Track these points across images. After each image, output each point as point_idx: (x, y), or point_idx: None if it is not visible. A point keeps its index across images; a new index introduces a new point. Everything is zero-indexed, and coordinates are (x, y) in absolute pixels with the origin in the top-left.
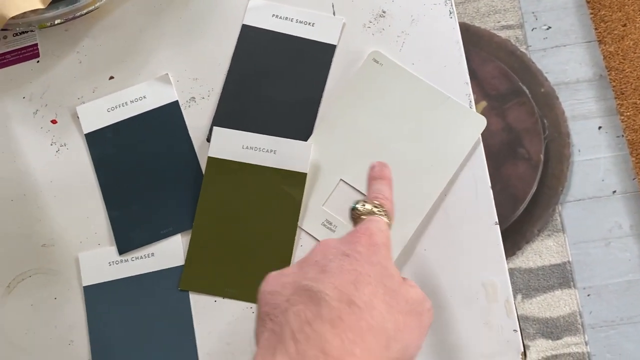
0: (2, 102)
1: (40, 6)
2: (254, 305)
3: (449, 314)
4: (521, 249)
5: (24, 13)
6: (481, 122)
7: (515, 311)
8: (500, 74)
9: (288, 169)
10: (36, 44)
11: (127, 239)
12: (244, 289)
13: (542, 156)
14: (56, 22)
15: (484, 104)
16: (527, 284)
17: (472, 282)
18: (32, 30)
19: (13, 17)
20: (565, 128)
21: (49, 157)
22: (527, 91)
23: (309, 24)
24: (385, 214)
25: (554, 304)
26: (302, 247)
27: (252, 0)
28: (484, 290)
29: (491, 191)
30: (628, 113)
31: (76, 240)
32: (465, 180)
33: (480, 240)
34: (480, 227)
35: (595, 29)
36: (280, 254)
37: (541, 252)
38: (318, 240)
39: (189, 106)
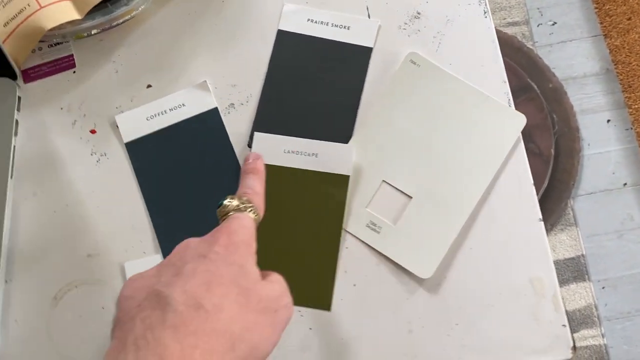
0: (40, 113)
1: (78, 17)
2: (302, 309)
3: (497, 311)
4: None
5: (61, 24)
6: (521, 120)
7: (563, 306)
8: (508, 70)
9: (330, 171)
10: (72, 55)
11: (172, 247)
12: (291, 291)
13: (552, 151)
14: (93, 33)
15: None
16: None
17: (519, 279)
18: (67, 41)
19: (50, 29)
20: (575, 122)
21: (89, 167)
22: (535, 87)
23: (345, 27)
24: (252, 209)
25: (569, 297)
26: (347, 249)
27: (286, 5)
28: (531, 286)
29: (534, 188)
30: (636, 106)
31: (121, 249)
32: (508, 178)
33: (525, 237)
34: (524, 223)
35: (600, 23)
36: (326, 257)
37: (555, 247)
38: (364, 243)
39: (229, 112)
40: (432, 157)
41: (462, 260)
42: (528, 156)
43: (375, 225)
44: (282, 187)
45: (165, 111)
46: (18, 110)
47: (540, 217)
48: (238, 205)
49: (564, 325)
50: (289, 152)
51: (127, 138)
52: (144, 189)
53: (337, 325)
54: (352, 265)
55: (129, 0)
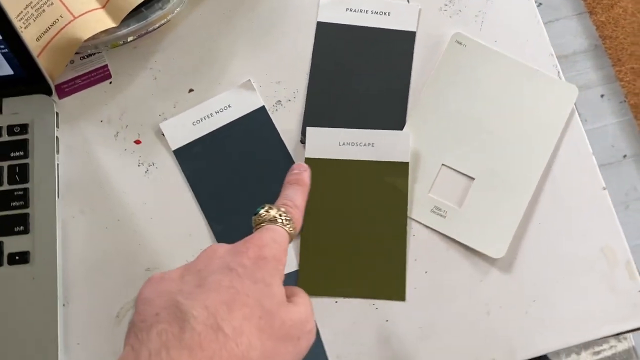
0: (79, 128)
1: (113, 25)
2: (376, 301)
3: (572, 283)
4: None
5: (95, 34)
6: (573, 91)
7: (637, 273)
8: None
9: (389, 160)
10: (106, 65)
11: None
12: (362, 285)
13: None
14: (129, 40)
15: None
16: None
17: (590, 249)
18: (99, 52)
19: (86, 40)
20: None
21: (138, 179)
22: None
23: (385, 13)
24: (290, 223)
25: None
26: (414, 237)
27: None
28: (603, 255)
29: (593, 157)
30: (627, 78)
31: (181, 260)
32: (567, 150)
33: (591, 207)
34: (588, 193)
35: (584, 0)
36: (395, 247)
37: None
38: (431, 228)
39: (276, 110)
40: (489, 136)
41: (532, 236)
42: None
43: (440, 209)
44: (341, 180)
45: (211, 114)
46: (57, 127)
47: (604, 185)
48: (275, 217)
49: None
50: (344, 144)
51: (175, 145)
52: (198, 196)
53: (413, 314)
54: (421, 252)
55: (163, 3)
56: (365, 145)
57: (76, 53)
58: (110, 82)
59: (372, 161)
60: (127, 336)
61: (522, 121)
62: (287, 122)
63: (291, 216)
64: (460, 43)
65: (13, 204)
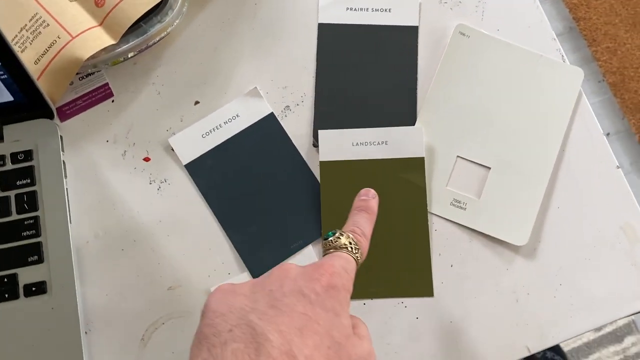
0: (85, 150)
1: (112, 42)
2: (405, 300)
3: (596, 264)
4: None
5: (95, 52)
6: (579, 74)
7: None
8: None
9: (404, 156)
10: (107, 84)
11: (258, 262)
12: (390, 285)
13: None
14: (130, 56)
15: None
16: None
17: (610, 228)
18: (99, 70)
19: (86, 59)
20: None
21: (151, 197)
22: None
23: (386, 10)
24: (358, 252)
25: None
26: (436, 232)
27: None
28: (623, 233)
29: (605, 137)
30: (604, 58)
31: (203, 275)
32: (578, 132)
33: (607, 186)
34: (603, 173)
35: None
36: (418, 244)
37: None
38: (452, 222)
39: (285, 116)
40: (501, 125)
41: (552, 220)
42: None
43: (459, 202)
44: (358, 181)
45: (219, 125)
46: (63, 151)
47: (617, 164)
48: (345, 245)
49: None
50: (357, 144)
51: (186, 160)
52: (214, 209)
53: (442, 309)
54: (444, 246)
55: (162, 16)
56: (378, 143)
57: (77, 73)
58: (113, 101)
59: (387, 159)
60: (197, 346)
61: (532, 107)
62: (297, 126)
63: (360, 245)
64: (464, 34)
65: (24, 233)
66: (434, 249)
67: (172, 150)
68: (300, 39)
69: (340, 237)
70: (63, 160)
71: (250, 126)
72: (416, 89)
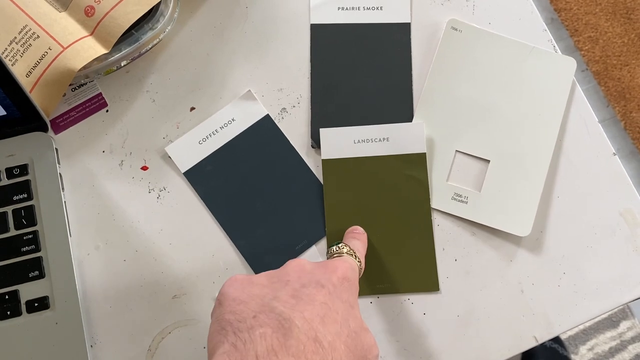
0: (81, 162)
1: (104, 51)
2: (412, 296)
3: (598, 250)
4: None
5: (88, 62)
6: (571, 64)
7: None
8: None
9: (405, 152)
10: (100, 94)
11: (264, 265)
12: (395, 281)
13: None
14: (123, 65)
15: None
16: None
17: (610, 214)
18: (91, 81)
19: (78, 70)
20: None
21: (150, 206)
22: None
23: (377, 8)
24: (360, 263)
25: None
26: (439, 227)
27: None
28: (622, 219)
29: (600, 125)
30: (586, 47)
31: (208, 282)
32: (574, 121)
33: (604, 173)
34: (600, 161)
35: None
36: (422, 239)
37: None
38: (454, 216)
39: (282, 118)
40: (497, 117)
41: (553, 210)
42: None
43: (460, 196)
44: (360, 178)
45: (216, 130)
46: (59, 163)
47: (614, 151)
48: (350, 253)
49: None
50: (359, 141)
51: (184, 167)
52: (216, 214)
53: (449, 303)
54: (448, 241)
55: (153, 23)
56: (380, 140)
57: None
58: (107, 111)
59: (389, 155)
60: (220, 332)
61: (527, 98)
62: (295, 128)
63: (360, 259)
64: (456, 29)
65: (24, 249)
66: (437, 244)
67: (170, 158)
68: (293, 41)
69: (344, 247)
70: (59, 173)
71: (247, 129)
72: (411, 85)
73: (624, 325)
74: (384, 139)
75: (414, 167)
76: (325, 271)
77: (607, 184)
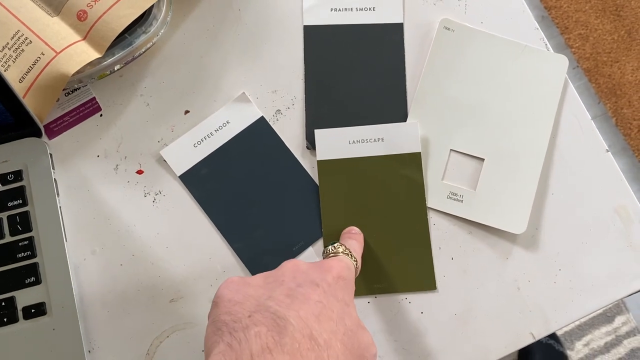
0: (76, 166)
1: (98, 55)
2: (409, 296)
3: (592, 247)
4: None
5: (81, 67)
6: (563, 61)
7: None
8: None
9: (400, 152)
10: (94, 98)
11: (262, 267)
12: (392, 281)
13: None
14: (116, 69)
15: None
16: None
17: (604, 211)
18: (85, 85)
19: (72, 74)
20: None
21: (146, 210)
22: None
23: (370, 9)
24: (355, 261)
25: None
26: (435, 226)
27: (305, 1)
28: (617, 215)
29: (593, 122)
30: (577, 44)
31: (205, 285)
32: (567, 119)
33: (598, 170)
34: (593, 157)
35: None
36: (419, 239)
37: None
38: (450, 215)
39: (277, 120)
40: (491, 116)
41: (548, 207)
42: None
43: (456, 195)
44: (356, 179)
45: (211, 133)
46: (53, 168)
47: (607, 147)
48: (345, 252)
49: None
50: (354, 142)
51: (180, 171)
52: (212, 217)
53: (446, 302)
54: (444, 240)
55: (146, 27)
56: (375, 140)
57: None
58: (101, 115)
59: (384, 156)
60: (216, 333)
61: (520, 96)
62: (289, 130)
63: (356, 258)
64: (449, 28)
65: (19, 255)
66: (433, 243)
67: (165, 161)
68: (287, 43)
69: (340, 246)
70: (54, 178)
71: (242, 132)
72: (405, 85)
73: (618, 320)
74: (378, 139)
75: (409, 166)
76: (320, 271)
77: (600, 180)
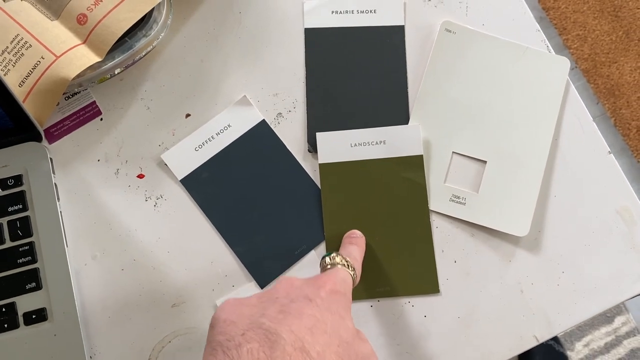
0: (76, 171)
1: (98, 59)
2: (412, 299)
3: (595, 249)
4: None
5: (81, 71)
6: (565, 63)
7: None
8: None
9: (402, 155)
10: (94, 102)
11: (264, 271)
12: (395, 284)
13: None
14: (116, 72)
15: None
16: None
17: (607, 213)
18: (85, 89)
19: (72, 78)
20: None
21: (147, 214)
22: None
23: (371, 11)
24: (353, 270)
25: None
26: (437, 229)
27: (306, 3)
28: (619, 217)
29: (594, 124)
30: (575, 45)
31: (207, 289)
32: (569, 120)
33: (600, 172)
34: (596, 159)
35: None
36: (421, 242)
37: None
38: (452, 217)
39: (278, 123)
40: (493, 118)
41: (550, 210)
42: None
43: (458, 197)
44: (358, 182)
45: (212, 137)
46: (53, 173)
47: (609, 150)
48: (342, 262)
49: None
50: (355, 145)
51: (181, 175)
52: (214, 221)
53: (449, 305)
54: (447, 243)
55: (147, 30)
56: (377, 143)
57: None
58: (102, 119)
59: (386, 158)
60: (211, 353)
61: (522, 98)
62: (291, 133)
63: (354, 266)
64: (450, 31)
65: (20, 260)
66: (436, 246)
67: (166, 165)
68: (288, 45)
69: (336, 257)
70: (55, 183)
71: (243, 135)
72: (407, 88)
73: (618, 320)
74: (380, 142)
75: (411, 169)
76: (314, 286)
77: (603, 182)
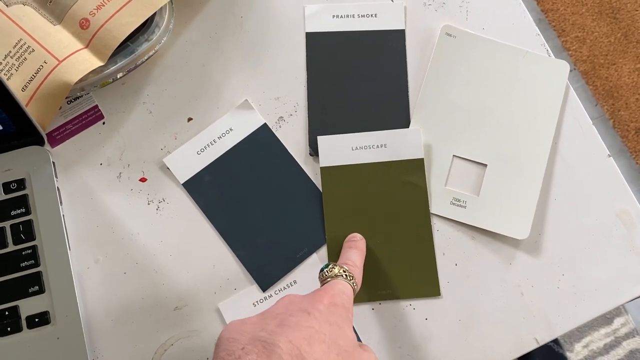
0: (79, 175)
1: (100, 63)
2: (413, 302)
3: (595, 251)
4: None
5: (84, 75)
6: (564, 67)
7: None
8: None
9: (403, 158)
10: (96, 106)
11: (266, 275)
12: (396, 287)
13: None
14: (119, 77)
15: None
16: None
17: (607, 215)
18: (87, 93)
19: (75, 83)
20: None
21: (150, 217)
22: None
23: (372, 15)
24: (352, 279)
25: None
26: (438, 232)
27: (307, 7)
28: (619, 219)
29: (594, 127)
30: (574, 47)
31: (209, 292)
32: (569, 124)
33: (600, 175)
34: (595, 162)
35: None
36: (422, 245)
37: None
38: (453, 221)
39: (280, 126)
40: (493, 122)
41: (550, 212)
42: None
43: (459, 200)
44: (359, 185)
45: (214, 140)
46: (56, 177)
47: (609, 153)
48: (339, 274)
49: None
50: (356, 148)
51: (183, 178)
52: (216, 225)
53: (450, 308)
54: (447, 246)
55: (149, 35)
56: (378, 147)
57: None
58: (104, 123)
59: (387, 162)
60: None
61: (522, 102)
62: (292, 137)
63: (353, 274)
64: (450, 35)
65: (23, 264)
66: (437, 249)
67: (168, 168)
68: (289, 49)
69: (334, 268)
70: (57, 187)
71: (245, 139)
72: (407, 91)
73: (617, 321)
74: (381, 145)
75: (412, 172)
76: (313, 300)
77: (602, 185)
